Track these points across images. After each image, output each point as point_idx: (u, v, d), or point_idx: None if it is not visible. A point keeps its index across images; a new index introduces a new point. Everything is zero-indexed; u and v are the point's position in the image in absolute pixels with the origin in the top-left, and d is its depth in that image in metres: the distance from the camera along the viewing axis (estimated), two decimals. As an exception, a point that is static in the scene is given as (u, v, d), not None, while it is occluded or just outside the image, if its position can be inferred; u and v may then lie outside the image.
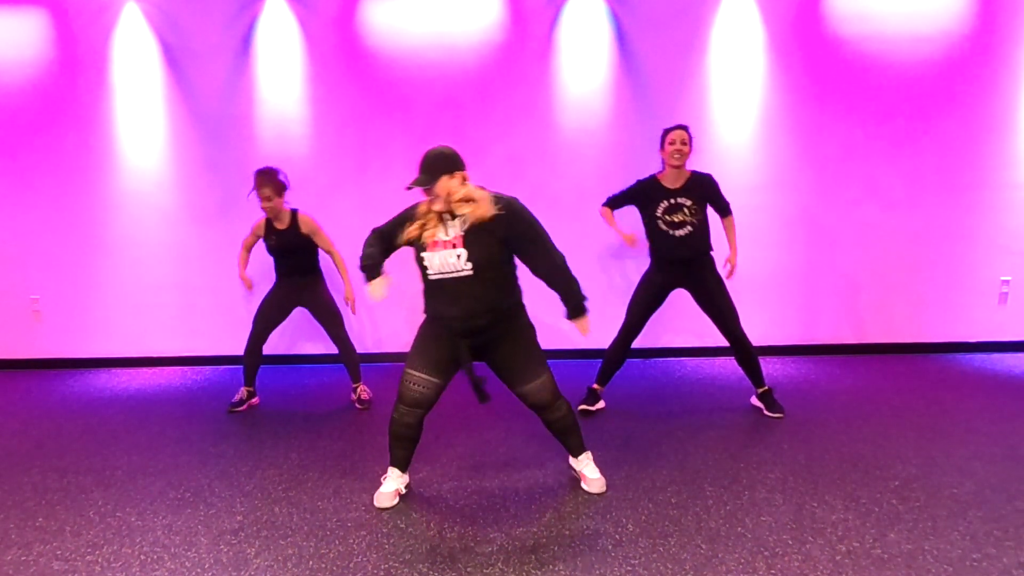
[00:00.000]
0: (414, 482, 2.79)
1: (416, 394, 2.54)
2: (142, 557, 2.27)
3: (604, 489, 2.68)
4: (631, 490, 2.68)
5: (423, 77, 4.56)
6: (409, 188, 2.39)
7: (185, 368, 4.82)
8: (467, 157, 2.55)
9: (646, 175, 3.47)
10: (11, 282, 4.84)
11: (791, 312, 4.73)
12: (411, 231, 2.47)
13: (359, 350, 4.10)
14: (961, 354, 4.67)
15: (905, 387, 3.94)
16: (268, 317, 3.75)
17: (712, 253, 3.45)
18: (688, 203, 3.31)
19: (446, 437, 3.29)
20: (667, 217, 3.31)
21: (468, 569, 2.15)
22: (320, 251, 3.78)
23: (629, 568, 2.14)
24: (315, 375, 4.55)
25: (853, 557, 2.17)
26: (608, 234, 4.45)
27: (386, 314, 4.74)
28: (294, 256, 3.69)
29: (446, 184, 2.37)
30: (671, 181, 3.35)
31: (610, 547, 2.26)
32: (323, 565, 2.19)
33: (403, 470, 2.68)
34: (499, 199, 2.41)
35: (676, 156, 3.28)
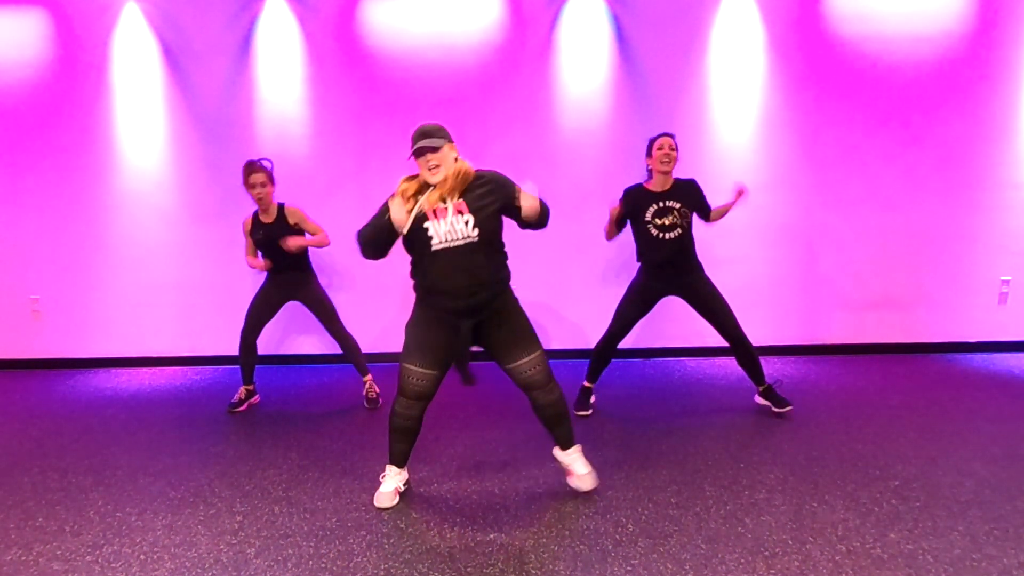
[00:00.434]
0: (414, 482, 2.80)
1: (416, 387, 2.54)
2: (142, 557, 2.27)
3: (594, 484, 2.66)
4: (631, 490, 2.68)
5: (423, 77, 4.56)
6: (416, 152, 2.37)
7: (185, 368, 4.82)
8: (467, 157, 2.56)
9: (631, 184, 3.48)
10: (11, 282, 4.84)
11: (791, 312, 4.73)
12: (409, 203, 2.39)
13: (352, 339, 4.06)
14: (961, 354, 4.67)
15: (905, 387, 3.94)
16: (259, 312, 3.74)
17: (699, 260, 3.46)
18: (677, 205, 3.32)
19: (446, 437, 3.29)
20: (657, 220, 3.31)
21: (468, 569, 2.15)
22: (310, 251, 3.76)
23: (629, 568, 2.14)
24: (315, 375, 4.55)
25: (853, 557, 2.17)
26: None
27: (385, 313, 4.74)
28: (281, 249, 3.67)
29: (449, 152, 2.41)
30: (658, 187, 3.37)
31: (610, 547, 2.26)
32: (323, 565, 2.20)
33: (401, 466, 2.68)
34: (484, 173, 2.47)
35: (664, 160, 3.29)
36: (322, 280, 3.86)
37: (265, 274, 3.75)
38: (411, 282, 2.58)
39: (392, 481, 2.65)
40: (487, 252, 2.43)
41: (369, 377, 3.87)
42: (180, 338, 4.85)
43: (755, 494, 2.63)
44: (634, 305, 3.47)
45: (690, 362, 4.63)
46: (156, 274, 4.78)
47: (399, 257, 2.72)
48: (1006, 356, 4.59)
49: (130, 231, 4.76)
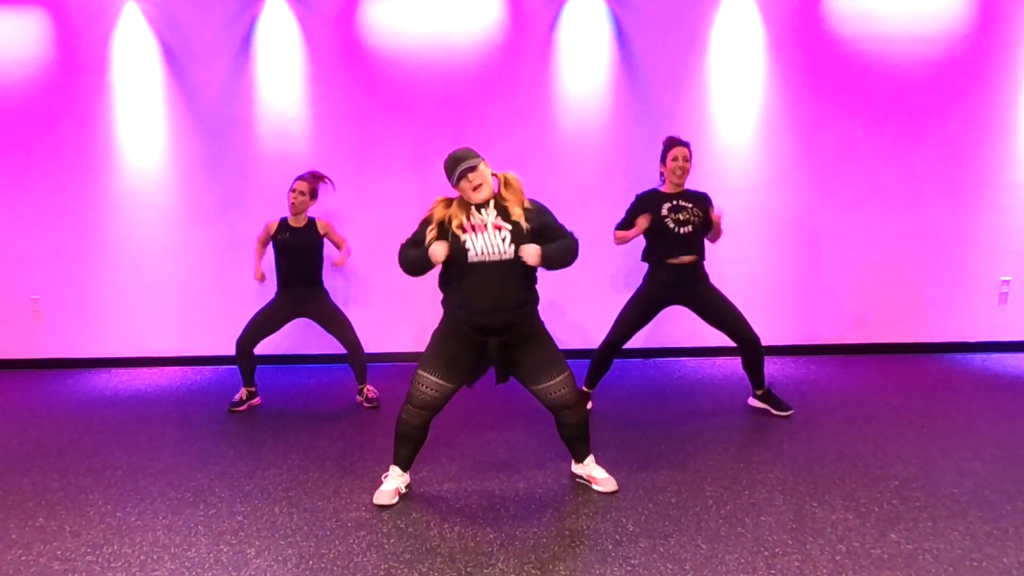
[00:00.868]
0: (414, 482, 2.79)
1: (425, 396, 2.55)
2: (142, 557, 2.27)
3: (616, 487, 2.67)
4: (631, 490, 2.68)
5: (423, 77, 4.56)
6: (459, 177, 2.41)
7: (185, 368, 4.82)
8: (467, 157, 2.55)
9: (643, 189, 3.48)
10: (11, 282, 4.84)
11: (791, 312, 4.73)
12: (454, 218, 2.45)
13: (363, 350, 4.09)
14: (961, 354, 4.67)
15: (905, 387, 3.94)
16: (261, 325, 3.74)
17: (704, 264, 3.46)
18: (689, 205, 3.34)
19: (446, 437, 3.29)
20: (673, 215, 3.32)
21: (468, 569, 2.15)
22: (323, 267, 3.82)
23: (629, 568, 2.14)
24: (315, 375, 4.55)
25: (853, 557, 2.17)
26: (608, 234, 4.44)
27: (390, 314, 4.74)
28: (302, 257, 3.71)
29: (486, 168, 2.47)
30: (671, 190, 3.40)
31: (610, 547, 2.26)
32: (323, 565, 2.19)
33: (404, 469, 2.68)
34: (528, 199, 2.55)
35: (678, 173, 3.33)
36: (324, 280, 3.86)
37: (276, 286, 3.78)
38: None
39: (393, 481, 2.65)
40: (519, 272, 2.47)
41: (366, 387, 3.86)
42: (180, 338, 4.85)
43: (755, 494, 2.63)
44: (637, 314, 3.46)
45: (690, 362, 4.63)
46: (156, 274, 4.78)
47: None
48: (1006, 356, 4.59)
49: (130, 231, 4.76)
